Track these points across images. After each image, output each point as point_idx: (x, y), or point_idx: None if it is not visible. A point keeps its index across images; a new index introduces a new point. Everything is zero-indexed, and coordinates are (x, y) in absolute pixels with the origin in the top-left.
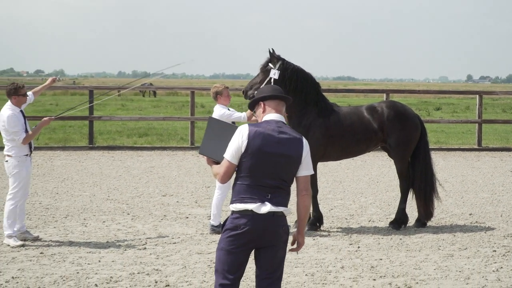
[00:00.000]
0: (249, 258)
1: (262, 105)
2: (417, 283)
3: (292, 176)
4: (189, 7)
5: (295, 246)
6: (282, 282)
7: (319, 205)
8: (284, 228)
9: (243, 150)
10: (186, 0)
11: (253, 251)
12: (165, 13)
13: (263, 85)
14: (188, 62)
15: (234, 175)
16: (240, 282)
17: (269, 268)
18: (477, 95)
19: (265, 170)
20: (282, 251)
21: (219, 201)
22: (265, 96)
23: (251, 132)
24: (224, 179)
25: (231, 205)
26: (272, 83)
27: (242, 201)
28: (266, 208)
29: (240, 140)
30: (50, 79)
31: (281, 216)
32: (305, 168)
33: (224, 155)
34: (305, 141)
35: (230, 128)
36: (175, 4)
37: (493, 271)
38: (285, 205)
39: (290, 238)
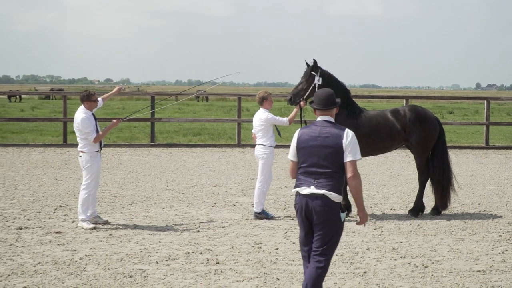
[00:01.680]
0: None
1: (314, 109)
2: (433, 263)
3: (338, 163)
4: (236, 25)
5: (359, 220)
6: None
7: (348, 195)
8: (328, 208)
9: (295, 147)
10: (235, 18)
11: None
12: (217, 28)
13: (309, 91)
14: (235, 74)
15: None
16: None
17: (316, 243)
18: (485, 101)
19: (312, 160)
20: (328, 229)
21: (260, 191)
22: (316, 105)
23: (300, 133)
24: (292, 175)
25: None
26: (316, 87)
27: (297, 186)
28: (308, 190)
29: (293, 141)
30: (116, 88)
31: (324, 198)
32: (349, 155)
33: (288, 156)
34: (347, 133)
35: None
36: (225, 21)
37: (499, 253)
38: (331, 189)
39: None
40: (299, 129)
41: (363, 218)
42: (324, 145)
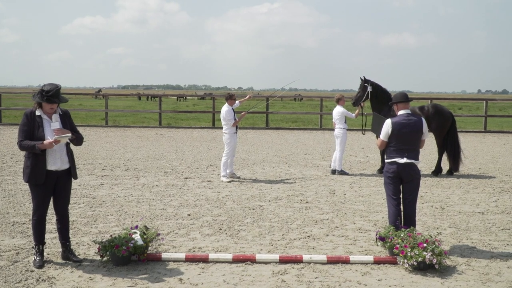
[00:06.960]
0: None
1: (396, 106)
2: (448, 206)
3: (419, 141)
4: (320, 53)
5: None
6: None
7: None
8: (415, 171)
9: (389, 132)
10: (318, 48)
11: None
12: (307, 56)
13: (364, 96)
14: (296, 81)
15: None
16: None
17: (407, 193)
18: (484, 101)
19: (403, 141)
20: (415, 184)
21: (339, 157)
22: (397, 102)
23: (393, 122)
24: (380, 148)
25: (386, 159)
26: (369, 93)
27: (391, 157)
28: (403, 160)
29: (387, 127)
30: (247, 96)
31: (413, 165)
32: (424, 135)
33: (380, 136)
34: (423, 120)
35: (382, 119)
36: (313, 50)
37: (493, 201)
38: (415, 159)
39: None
40: (390, 119)
41: None
42: (412, 131)
